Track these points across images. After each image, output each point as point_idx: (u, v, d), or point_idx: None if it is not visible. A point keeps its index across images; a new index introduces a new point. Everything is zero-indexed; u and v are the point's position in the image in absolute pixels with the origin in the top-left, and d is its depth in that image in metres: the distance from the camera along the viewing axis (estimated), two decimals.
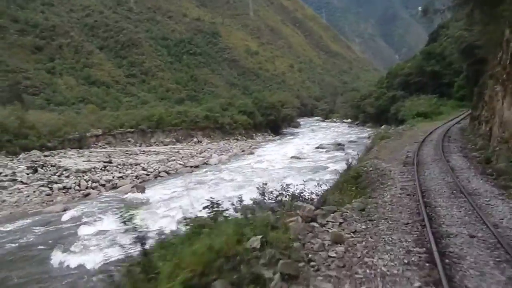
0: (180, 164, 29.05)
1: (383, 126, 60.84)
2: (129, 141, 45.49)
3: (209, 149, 40.00)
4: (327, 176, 21.95)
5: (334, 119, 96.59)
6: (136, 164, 27.23)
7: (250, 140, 55.74)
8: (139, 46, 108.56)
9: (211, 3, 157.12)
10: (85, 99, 76.34)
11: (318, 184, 11.80)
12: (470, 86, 53.46)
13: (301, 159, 31.35)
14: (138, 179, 24.68)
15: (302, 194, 9.57)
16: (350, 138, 51.73)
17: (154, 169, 26.50)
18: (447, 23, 62.41)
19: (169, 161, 29.44)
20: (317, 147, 41.01)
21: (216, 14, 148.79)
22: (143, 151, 34.52)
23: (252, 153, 39.65)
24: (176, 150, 36.79)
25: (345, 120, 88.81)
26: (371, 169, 13.70)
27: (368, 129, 65.47)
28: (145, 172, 25.69)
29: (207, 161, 32.06)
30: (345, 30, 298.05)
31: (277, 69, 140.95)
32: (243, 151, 41.84)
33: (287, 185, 10.21)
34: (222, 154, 37.30)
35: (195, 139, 51.06)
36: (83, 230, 15.16)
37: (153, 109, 52.50)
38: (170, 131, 50.40)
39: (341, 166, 26.02)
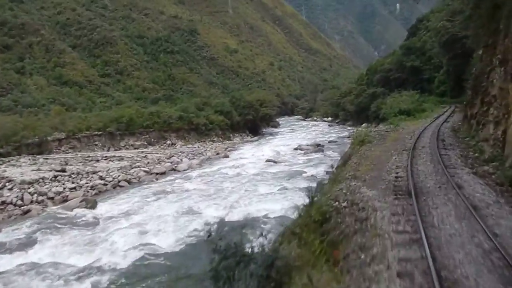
0: (145, 171, 26.35)
1: (363, 125, 59.13)
2: (96, 145, 42.43)
3: (180, 153, 37.30)
4: (302, 183, 19.73)
5: (315, 118, 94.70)
6: (94, 173, 24.43)
7: (227, 141, 53.19)
8: (113, 44, 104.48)
9: (189, 0, 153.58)
10: (56, 100, 72.51)
11: (263, 234, 6.73)
12: (451, 81, 52.16)
13: (277, 163, 29.03)
14: (93, 190, 21.94)
15: (239, 249, 5.83)
16: (330, 138, 49.82)
17: (114, 178, 23.74)
18: (426, 16, 61.14)
19: (132, 168, 26.69)
20: (296, 148, 38.92)
21: (194, 12, 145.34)
22: (106, 156, 31.60)
23: (226, 156, 37.18)
24: (144, 155, 34.01)
25: (325, 119, 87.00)
26: (344, 203, 8.98)
27: (349, 128, 63.68)
28: (102, 182, 22.92)
29: (175, 166, 29.41)
30: (325, 27, 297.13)
31: (257, 67, 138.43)
32: (217, 154, 39.32)
33: (222, 226, 7.43)
34: (194, 158, 34.69)
35: (168, 142, 48.28)
36: None
37: (122, 110, 49.46)
38: (141, 133, 47.50)
39: (318, 172, 23.97)
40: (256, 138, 56.74)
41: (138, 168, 26.73)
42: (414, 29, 66.80)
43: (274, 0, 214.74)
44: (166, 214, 16.07)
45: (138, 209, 17.47)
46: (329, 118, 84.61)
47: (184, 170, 28.73)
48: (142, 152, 37.10)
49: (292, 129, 70.10)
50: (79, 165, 26.36)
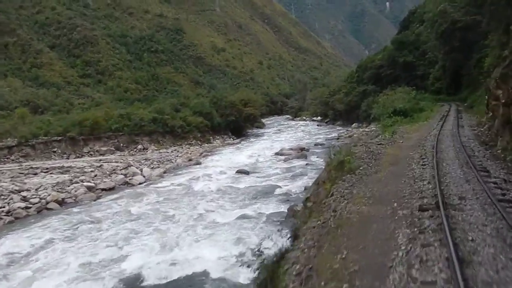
0: (88, 187, 21.27)
1: (354, 125, 54.51)
2: (54, 152, 37.23)
3: (145, 160, 32.29)
4: (270, 206, 14.99)
5: (304, 117, 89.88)
6: (19, 192, 19.34)
7: (206, 144, 48.19)
8: (94, 44, 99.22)
9: None
10: (30, 102, 66.96)
11: None
12: (447, 77, 47.51)
13: (249, 173, 24.07)
14: (9, 216, 16.87)
15: None
16: (317, 140, 45.13)
17: (41, 199, 18.67)
18: (420, 7, 56.47)
19: (73, 183, 21.61)
20: (277, 153, 34.10)
21: (181, 10, 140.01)
22: (47, 168, 26.37)
23: (199, 163, 32.17)
24: (99, 164, 28.87)
25: (314, 118, 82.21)
26: None
27: (338, 128, 58.98)
28: (23, 205, 17.85)
29: (130, 179, 24.34)
30: (315, 26, 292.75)
31: (245, 66, 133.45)
32: (190, 160, 34.32)
33: None
34: (159, 167, 29.68)
35: (139, 146, 43.14)
36: None
37: (87, 113, 44.21)
38: (109, 137, 42.30)
39: (295, 188, 19.10)
40: (238, 140, 51.72)
41: (80, 184, 21.62)
42: (406, 22, 62.20)
43: None
44: (61, 269, 11.09)
45: (29, 256, 12.45)
46: (319, 118, 79.83)
47: (139, 184, 23.70)
48: (100, 160, 31.95)
49: (279, 130, 65.16)
50: (5, 181, 21.23)
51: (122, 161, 31.62)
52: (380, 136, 19.23)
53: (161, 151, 41.91)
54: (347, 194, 8.74)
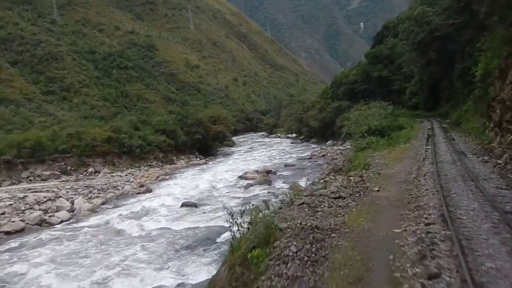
0: None
1: (329, 142, 50.77)
2: None
3: (85, 188, 27.30)
4: (198, 271, 10.31)
5: (279, 134, 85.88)
6: None
7: (169, 165, 43.39)
8: (59, 60, 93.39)
9: (148, 16, 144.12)
10: None
11: None
12: (424, 91, 44.36)
13: (198, 206, 19.45)
14: None
15: None
16: (288, 160, 40.94)
17: None
18: (392, 22, 53.55)
19: None
20: (241, 176, 29.75)
21: (153, 27, 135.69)
22: None
23: (149, 191, 27.38)
24: (24, 195, 23.73)
25: (289, 135, 78.24)
26: None
27: (313, 146, 55.06)
28: None
29: (50, 216, 19.39)
30: (292, 45, 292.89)
31: (220, 82, 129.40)
32: (141, 186, 29.48)
33: None
34: (98, 196, 24.76)
35: (90, 169, 38.02)
36: None
37: (28, 132, 38.87)
38: (55, 160, 37.08)
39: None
40: (205, 160, 47.02)
41: None
42: (380, 36, 59.40)
43: (239, 18, 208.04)
44: None
45: None
46: (294, 135, 75.91)
47: (60, 222, 18.76)
48: (29, 189, 26.75)
49: (251, 148, 60.84)
50: None
51: (57, 189, 26.53)
52: (348, 166, 14.89)
53: (114, 174, 36.94)
54: None
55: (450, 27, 25.93)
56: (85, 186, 28.10)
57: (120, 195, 26.25)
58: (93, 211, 21.02)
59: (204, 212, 17.79)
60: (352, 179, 11.79)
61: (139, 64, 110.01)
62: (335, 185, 10.61)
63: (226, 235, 14.27)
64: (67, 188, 27.17)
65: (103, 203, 23.64)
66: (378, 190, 10.06)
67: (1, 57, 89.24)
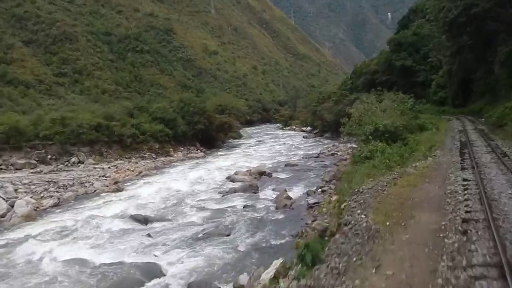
0: None
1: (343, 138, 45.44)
2: None
3: (45, 183, 23.22)
4: None
5: (293, 127, 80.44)
6: None
7: (163, 158, 39.16)
8: (74, 40, 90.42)
9: None
10: None
11: None
12: (453, 84, 38.21)
13: (149, 223, 14.87)
14: None
15: None
16: (293, 157, 36.06)
17: None
18: (423, 3, 46.92)
19: None
20: (229, 177, 25.24)
21: (173, 11, 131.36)
22: None
23: (119, 190, 23.08)
24: None
25: (304, 128, 72.79)
26: None
27: (325, 142, 49.82)
28: None
29: None
30: (316, 34, 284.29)
31: (238, 70, 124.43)
32: (115, 183, 25.23)
33: None
34: (52, 196, 20.58)
35: (73, 159, 34.12)
36: None
37: (4, 116, 35.01)
38: (34, 147, 33.31)
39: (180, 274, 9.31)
40: (202, 154, 42.50)
41: None
42: (406, 20, 52.83)
43: (263, 4, 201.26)
44: None
45: None
46: (308, 128, 70.44)
47: None
48: None
49: (258, 141, 56.01)
50: None
51: (11, 183, 22.52)
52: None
53: (97, 166, 32.93)
54: None
55: (491, 2, 20.30)
56: (47, 181, 24.03)
57: (83, 194, 22.06)
58: (30, 217, 16.78)
59: (148, 234, 13.19)
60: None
61: (155, 48, 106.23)
62: None
63: (159, 281, 9.70)
64: (24, 183, 23.16)
65: (55, 205, 19.49)
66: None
67: (16, 36, 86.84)
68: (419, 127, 19.93)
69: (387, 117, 18.08)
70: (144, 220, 14.82)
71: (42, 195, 20.77)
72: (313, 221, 13.31)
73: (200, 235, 13.09)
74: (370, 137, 17.17)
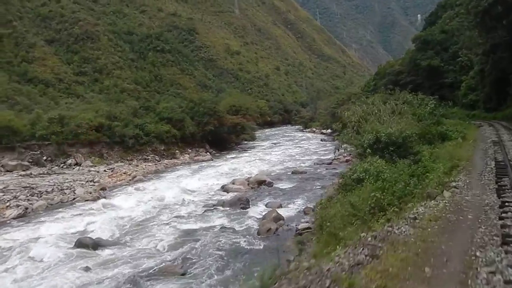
0: None
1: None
2: None
3: (22, 189, 20.91)
4: None
5: (313, 129, 76.72)
6: None
7: (167, 161, 36.67)
8: (95, 40, 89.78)
9: None
10: (9, 99, 57.56)
11: None
12: (486, 85, 33.87)
13: (99, 248, 12.06)
14: None
15: None
16: (305, 162, 32.82)
17: None
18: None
19: None
20: (223, 186, 22.33)
21: (196, 10, 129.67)
22: None
23: (101, 198, 20.53)
24: None
25: (323, 131, 69.00)
26: None
27: (343, 145, 46.16)
28: None
29: None
30: (343, 36, 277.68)
31: (260, 71, 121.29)
32: (102, 189, 22.83)
33: None
34: (20, 205, 18.17)
35: (70, 161, 32.06)
36: None
37: None
38: (29, 147, 31.43)
39: None
40: (209, 157, 39.72)
41: None
42: (434, 17, 48.33)
43: (288, 4, 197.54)
44: None
45: None
46: (328, 130, 66.59)
47: None
48: None
49: (274, 144, 52.83)
50: None
51: None
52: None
53: (93, 168, 30.72)
54: None
55: None
56: (25, 187, 21.69)
57: (57, 203, 19.59)
58: None
59: (87, 268, 10.34)
60: None
61: (177, 48, 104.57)
62: None
63: None
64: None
65: (18, 216, 17.07)
66: None
67: (39, 35, 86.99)
68: (440, 135, 15.80)
69: (394, 123, 14.21)
70: (92, 245, 11.96)
71: (8, 204, 18.38)
72: (297, 256, 10.25)
73: (151, 271, 10.14)
74: (368, 150, 12.88)
